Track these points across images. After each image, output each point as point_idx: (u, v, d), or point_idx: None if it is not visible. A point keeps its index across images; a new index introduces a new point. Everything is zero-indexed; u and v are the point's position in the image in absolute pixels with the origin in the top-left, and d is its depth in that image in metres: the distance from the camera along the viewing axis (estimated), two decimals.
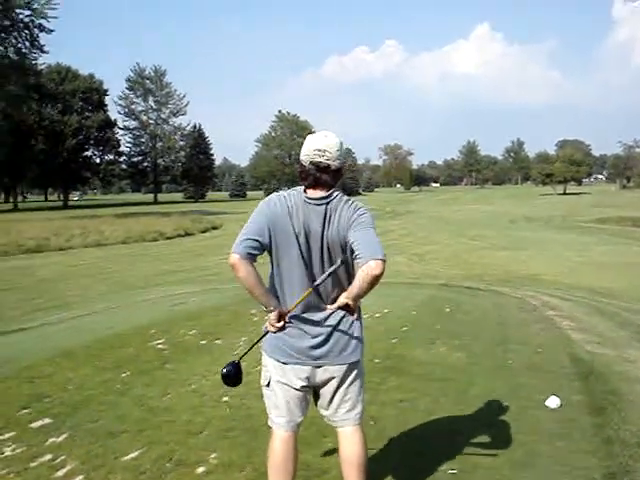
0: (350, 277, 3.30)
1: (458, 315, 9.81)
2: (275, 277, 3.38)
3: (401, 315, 9.64)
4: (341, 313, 3.37)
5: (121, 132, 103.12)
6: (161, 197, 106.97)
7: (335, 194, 3.31)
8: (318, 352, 3.38)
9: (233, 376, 3.37)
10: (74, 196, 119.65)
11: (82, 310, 11.44)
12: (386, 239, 28.14)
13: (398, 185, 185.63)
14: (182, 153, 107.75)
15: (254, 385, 6.03)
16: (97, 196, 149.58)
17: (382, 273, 3.10)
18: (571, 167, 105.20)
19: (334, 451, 4.20)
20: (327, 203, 3.27)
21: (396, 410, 5.46)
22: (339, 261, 3.26)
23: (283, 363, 3.41)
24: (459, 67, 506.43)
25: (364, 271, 3.11)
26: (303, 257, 3.29)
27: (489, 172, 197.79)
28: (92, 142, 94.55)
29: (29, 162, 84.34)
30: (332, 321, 3.38)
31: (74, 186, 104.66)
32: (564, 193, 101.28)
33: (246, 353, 3.43)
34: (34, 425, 5.28)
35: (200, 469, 4.33)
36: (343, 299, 3.29)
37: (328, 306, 3.34)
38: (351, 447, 3.46)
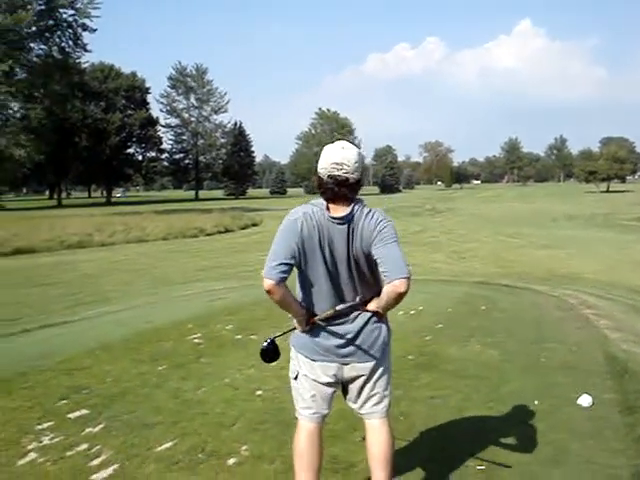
0: (375, 275, 3.34)
1: (494, 313, 9.77)
2: (303, 285, 3.45)
3: (436, 312, 9.64)
4: (369, 314, 3.43)
5: (163, 130, 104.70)
6: (202, 194, 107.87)
7: (356, 209, 3.30)
8: (345, 351, 3.45)
9: (271, 351, 3.49)
10: (117, 193, 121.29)
11: (122, 305, 11.64)
12: (425, 236, 28.12)
13: (439, 182, 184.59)
14: (223, 150, 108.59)
15: (287, 380, 6.13)
16: (139, 193, 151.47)
17: (407, 290, 3.17)
18: (615, 165, 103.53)
19: (363, 445, 4.24)
20: (349, 221, 3.28)
21: (426, 406, 5.49)
22: (358, 299, 3.38)
23: (312, 360, 3.48)
24: (500, 63, 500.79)
25: (389, 289, 3.19)
26: (329, 272, 3.35)
27: (531, 169, 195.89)
28: (134, 139, 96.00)
29: (73, 159, 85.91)
30: (360, 321, 3.44)
31: (117, 183, 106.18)
32: (607, 191, 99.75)
33: (280, 335, 3.50)
34: (72, 416, 5.43)
35: (231, 460, 4.42)
36: (373, 307, 3.38)
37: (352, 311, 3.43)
38: (377, 438, 3.54)
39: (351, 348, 3.45)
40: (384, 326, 3.51)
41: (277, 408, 5.45)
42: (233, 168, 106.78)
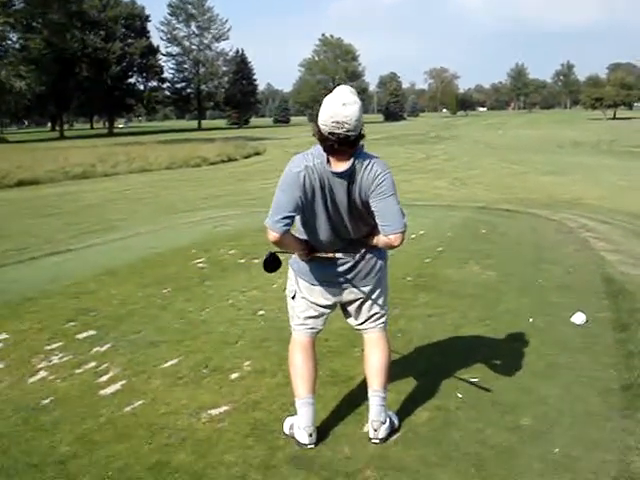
0: (373, 217, 3.40)
1: (493, 236, 9.88)
2: (304, 225, 3.53)
3: (436, 236, 9.76)
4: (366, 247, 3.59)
5: (164, 58, 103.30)
6: (205, 124, 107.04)
7: (355, 163, 3.29)
8: (344, 278, 3.61)
9: (270, 262, 3.57)
10: (119, 123, 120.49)
11: (127, 232, 11.75)
12: (429, 163, 28.04)
13: (444, 110, 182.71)
14: (225, 79, 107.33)
15: None
16: (142, 123, 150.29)
17: (401, 243, 3.38)
18: (622, 91, 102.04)
19: (361, 360, 4.40)
20: (349, 175, 3.30)
21: (424, 324, 5.65)
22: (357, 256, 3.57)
23: (311, 284, 3.64)
24: None
25: (384, 240, 3.40)
26: (330, 217, 3.43)
27: (537, 96, 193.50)
28: (135, 69, 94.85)
29: (74, 90, 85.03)
30: (357, 254, 3.58)
31: (119, 113, 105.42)
32: (614, 118, 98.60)
33: (281, 252, 3.60)
34: (79, 336, 5.61)
35: (234, 375, 4.59)
36: (372, 242, 3.53)
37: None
38: (376, 349, 3.72)
39: (350, 275, 3.59)
40: (381, 253, 3.64)
41: (279, 327, 5.60)
42: (235, 97, 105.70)
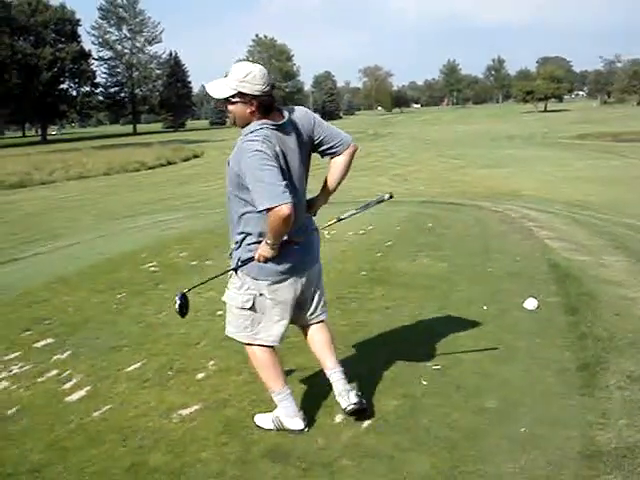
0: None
1: (440, 229, 10.06)
2: None
3: (385, 231, 9.89)
4: (313, 217, 3.81)
5: (96, 63, 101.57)
6: (140, 128, 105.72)
7: (286, 113, 3.49)
8: (307, 259, 3.67)
9: (184, 306, 3.67)
10: (52, 130, 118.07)
11: (71, 240, 11.61)
12: (368, 161, 28.26)
13: (379, 107, 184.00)
14: (159, 82, 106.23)
15: None
16: (75, 129, 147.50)
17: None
18: (552, 84, 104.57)
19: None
20: (293, 124, 3.48)
21: (382, 316, 5.75)
22: (387, 196, 3.76)
23: (278, 282, 3.59)
24: None
25: (350, 151, 3.66)
26: (296, 183, 3.51)
27: (470, 92, 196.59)
28: (67, 74, 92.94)
29: (4, 97, 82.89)
30: (310, 226, 3.74)
31: (52, 120, 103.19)
32: (545, 110, 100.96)
33: (207, 281, 3.85)
34: (37, 345, 5.55)
35: (200, 375, 4.62)
36: (325, 198, 3.82)
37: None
38: (324, 331, 3.92)
39: (311, 256, 3.71)
40: (314, 223, 3.84)
41: None
42: (170, 100, 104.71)
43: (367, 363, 4.62)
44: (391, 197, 3.75)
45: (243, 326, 3.70)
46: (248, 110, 3.38)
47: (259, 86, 3.33)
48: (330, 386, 3.90)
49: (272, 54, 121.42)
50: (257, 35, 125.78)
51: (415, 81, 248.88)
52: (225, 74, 3.40)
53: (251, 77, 3.32)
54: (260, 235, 3.46)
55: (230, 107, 3.42)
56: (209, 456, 3.47)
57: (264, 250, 3.44)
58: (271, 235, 3.34)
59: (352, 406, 3.70)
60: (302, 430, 3.67)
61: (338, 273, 7.40)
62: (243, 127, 3.44)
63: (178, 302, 3.60)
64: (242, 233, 3.53)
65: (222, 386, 4.40)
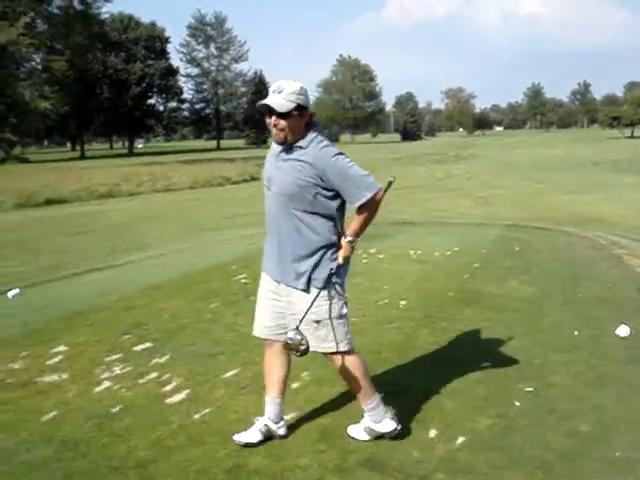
0: None
1: (528, 253, 9.98)
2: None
3: (471, 253, 9.88)
4: None
5: (183, 79, 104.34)
6: (223, 143, 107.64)
7: None
8: None
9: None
10: (138, 143, 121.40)
11: (161, 250, 11.96)
12: (450, 183, 28.12)
13: (460, 129, 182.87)
14: (244, 99, 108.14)
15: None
16: (160, 143, 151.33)
17: None
18: (639, 110, 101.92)
19: (415, 372, 4.56)
20: None
21: (472, 337, 5.78)
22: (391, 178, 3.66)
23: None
24: (523, 7, 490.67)
25: None
26: None
27: (554, 115, 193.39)
28: (155, 90, 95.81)
29: (95, 111, 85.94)
30: None
31: (138, 134, 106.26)
32: (632, 136, 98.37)
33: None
34: (137, 348, 5.78)
35: (295, 384, 4.73)
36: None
37: None
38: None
39: None
40: None
41: None
42: (254, 117, 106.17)
43: (459, 382, 4.67)
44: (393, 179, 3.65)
45: (344, 333, 3.74)
46: (303, 123, 3.51)
47: (309, 100, 3.54)
48: (422, 403, 3.99)
49: (355, 74, 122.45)
50: (341, 55, 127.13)
51: (498, 103, 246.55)
52: (275, 91, 3.47)
53: (304, 91, 3.51)
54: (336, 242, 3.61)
55: (284, 122, 3.45)
56: (308, 462, 3.58)
57: (347, 250, 3.62)
58: (363, 227, 3.60)
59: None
60: (396, 429, 3.76)
61: (426, 293, 7.46)
62: (294, 142, 3.53)
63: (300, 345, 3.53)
64: (322, 248, 3.59)
65: (317, 396, 4.51)
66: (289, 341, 3.49)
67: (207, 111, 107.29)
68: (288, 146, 3.55)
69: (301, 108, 3.46)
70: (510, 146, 74.75)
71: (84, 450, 3.87)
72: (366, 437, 3.81)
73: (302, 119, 3.49)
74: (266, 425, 3.85)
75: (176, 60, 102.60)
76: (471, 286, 7.75)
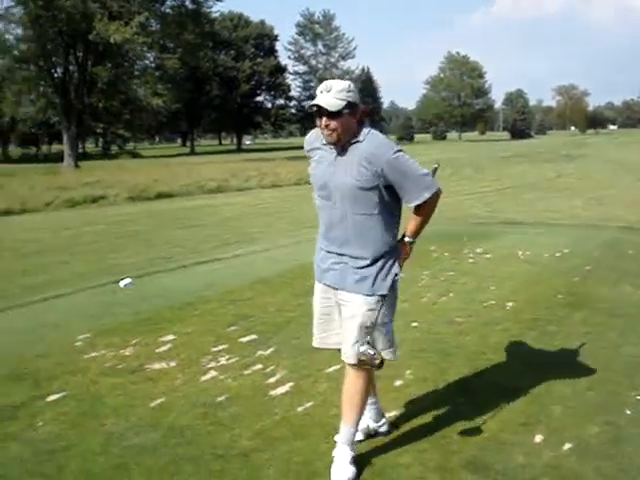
0: None
1: None
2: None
3: (582, 255, 9.55)
4: None
5: (291, 77, 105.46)
6: None
7: None
8: None
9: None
10: (246, 140, 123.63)
11: (268, 244, 12.14)
12: (561, 182, 27.32)
13: (572, 127, 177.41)
14: None
15: (441, 313, 6.40)
16: (268, 140, 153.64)
17: None
18: None
19: (521, 374, 4.47)
20: None
21: (582, 341, 5.58)
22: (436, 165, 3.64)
23: None
24: None
25: None
26: None
27: None
28: (264, 87, 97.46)
29: (205, 108, 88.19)
30: None
31: (246, 130, 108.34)
32: None
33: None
34: (242, 340, 5.90)
35: (398, 382, 4.72)
36: None
37: None
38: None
39: None
40: None
41: (434, 339, 5.72)
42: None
43: (567, 387, 4.54)
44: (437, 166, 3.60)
45: (393, 339, 3.65)
46: (355, 121, 3.39)
47: (358, 97, 3.41)
48: (530, 406, 3.90)
49: (464, 71, 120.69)
50: (449, 52, 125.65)
51: (612, 101, 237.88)
52: (323, 90, 3.35)
53: (353, 87, 3.38)
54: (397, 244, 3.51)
55: (336, 122, 3.31)
56: (409, 460, 3.56)
57: (408, 252, 3.54)
58: (422, 227, 3.49)
59: None
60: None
61: (534, 295, 7.29)
62: (347, 140, 3.39)
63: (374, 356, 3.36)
64: (386, 252, 3.45)
65: (419, 395, 4.49)
66: (362, 357, 3.35)
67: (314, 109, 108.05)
68: (342, 147, 3.41)
69: (352, 106, 3.33)
70: (625, 145, 71.98)
71: (189, 437, 3.98)
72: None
73: (354, 117, 3.37)
74: (367, 425, 3.84)
75: (284, 58, 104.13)
76: (581, 289, 7.50)
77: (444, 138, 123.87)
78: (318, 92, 3.36)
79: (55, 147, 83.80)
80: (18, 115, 56.50)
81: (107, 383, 4.93)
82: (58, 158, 50.06)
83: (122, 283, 8.39)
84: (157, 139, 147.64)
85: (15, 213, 20.89)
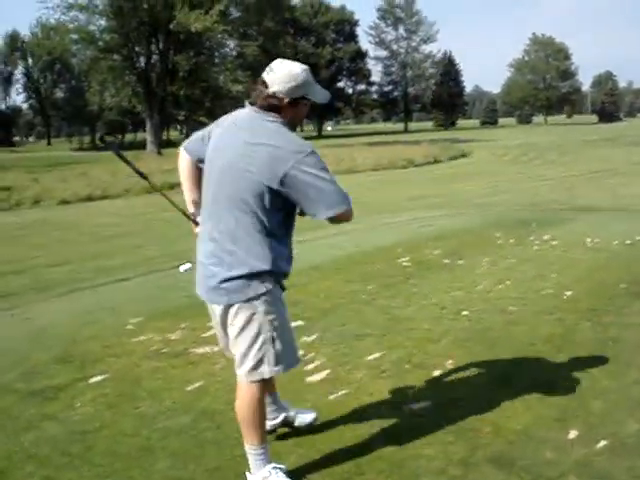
0: None
1: None
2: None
3: None
4: None
5: (372, 62, 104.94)
6: (411, 126, 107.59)
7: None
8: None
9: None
10: (328, 126, 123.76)
11: (333, 231, 12.10)
12: None
13: None
14: (432, 81, 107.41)
15: (493, 302, 6.24)
16: (349, 126, 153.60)
17: None
18: None
19: (563, 366, 4.31)
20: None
21: (637, 333, 5.34)
22: None
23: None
24: None
25: None
26: None
27: None
28: (344, 73, 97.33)
29: None
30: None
31: (328, 116, 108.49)
32: None
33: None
34: None
35: (436, 372, 4.61)
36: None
37: None
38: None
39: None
40: None
41: (482, 328, 5.57)
42: (442, 99, 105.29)
43: (613, 381, 4.34)
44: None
45: (284, 349, 3.22)
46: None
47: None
48: (568, 402, 3.77)
49: (549, 53, 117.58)
50: (534, 34, 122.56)
51: None
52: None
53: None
54: None
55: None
56: (433, 453, 3.47)
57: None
58: None
59: None
60: None
61: (595, 283, 7.03)
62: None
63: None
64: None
65: (457, 386, 4.37)
66: None
67: (395, 93, 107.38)
68: None
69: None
70: None
71: (219, 421, 3.99)
72: None
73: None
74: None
75: (365, 43, 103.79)
76: None
77: (529, 122, 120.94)
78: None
79: (140, 135, 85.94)
80: (104, 104, 58.10)
81: (149, 366, 5.00)
82: (142, 145, 51.22)
83: (182, 268, 8.45)
84: None
85: (97, 199, 21.56)
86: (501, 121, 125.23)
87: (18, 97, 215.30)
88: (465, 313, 6.02)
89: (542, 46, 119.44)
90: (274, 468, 3.21)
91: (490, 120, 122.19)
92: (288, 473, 3.24)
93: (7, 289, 8.82)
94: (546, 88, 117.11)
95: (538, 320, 5.76)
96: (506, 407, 3.96)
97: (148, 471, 3.47)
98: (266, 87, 3.06)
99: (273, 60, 3.17)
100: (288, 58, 3.33)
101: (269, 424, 3.59)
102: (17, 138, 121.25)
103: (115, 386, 4.64)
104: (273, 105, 3.08)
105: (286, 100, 3.09)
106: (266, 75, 3.09)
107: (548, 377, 4.45)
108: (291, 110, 3.14)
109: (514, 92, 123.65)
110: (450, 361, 4.82)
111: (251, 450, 3.23)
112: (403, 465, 3.36)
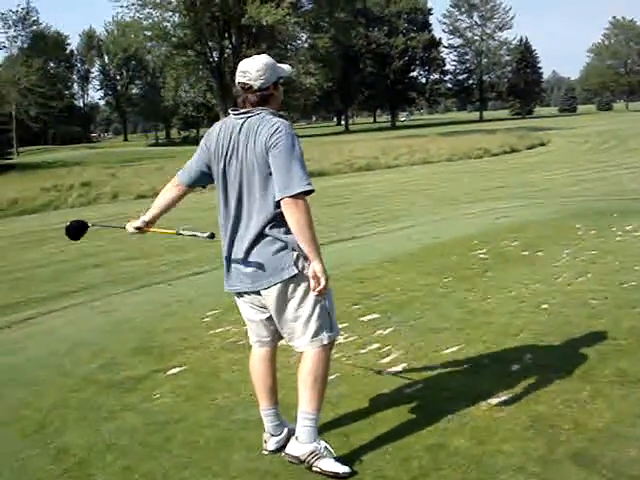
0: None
1: None
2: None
3: None
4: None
5: (446, 51, 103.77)
6: (486, 114, 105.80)
7: (258, 111, 3.29)
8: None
9: (73, 229, 3.93)
10: (401, 117, 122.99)
11: (409, 222, 12.06)
12: None
13: None
14: (508, 68, 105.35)
15: (574, 295, 6.10)
16: (423, 116, 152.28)
17: (300, 211, 3.19)
18: None
19: None
20: (247, 118, 3.29)
21: None
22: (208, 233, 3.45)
23: None
24: None
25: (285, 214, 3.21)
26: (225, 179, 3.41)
27: None
28: (417, 62, 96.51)
29: (358, 85, 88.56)
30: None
31: (401, 107, 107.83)
32: None
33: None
34: (364, 319, 5.89)
35: (515, 366, 4.53)
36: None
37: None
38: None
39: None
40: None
41: (562, 322, 5.45)
42: (519, 86, 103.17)
43: None
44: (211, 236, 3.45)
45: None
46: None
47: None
48: None
49: (630, 36, 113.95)
50: (614, 17, 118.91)
51: None
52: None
53: None
54: None
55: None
56: (511, 449, 3.41)
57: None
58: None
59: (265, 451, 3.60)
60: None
61: None
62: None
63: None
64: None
65: (536, 381, 4.27)
66: None
67: (470, 82, 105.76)
68: None
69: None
70: None
71: (295, 414, 4.00)
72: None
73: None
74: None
75: (438, 31, 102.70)
76: None
77: (609, 108, 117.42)
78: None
79: None
80: (179, 99, 59.11)
81: (226, 358, 5.08)
82: None
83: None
84: (314, 118, 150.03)
85: None
86: (580, 108, 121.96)
87: (95, 94, 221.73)
88: (545, 306, 5.89)
89: (623, 30, 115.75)
90: (326, 448, 3.33)
91: (569, 107, 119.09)
92: (363, 464, 3.28)
93: (88, 282, 9.10)
94: (627, 73, 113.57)
95: (621, 313, 5.59)
96: (587, 403, 3.86)
97: (226, 462, 3.52)
98: (250, 88, 3.30)
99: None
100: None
101: (274, 440, 3.61)
102: (95, 134, 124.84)
103: (193, 378, 4.74)
104: (265, 97, 3.32)
105: (272, 88, 3.35)
106: (243, 79, 3.31)
107: (632, 373, 4.31)
108: (276, 94, 3.41)
109: (593, 78, 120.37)
110: (529, 355, 4.73)
111: (308, 416, 3.36)
112: (481, 461, 3.32)
